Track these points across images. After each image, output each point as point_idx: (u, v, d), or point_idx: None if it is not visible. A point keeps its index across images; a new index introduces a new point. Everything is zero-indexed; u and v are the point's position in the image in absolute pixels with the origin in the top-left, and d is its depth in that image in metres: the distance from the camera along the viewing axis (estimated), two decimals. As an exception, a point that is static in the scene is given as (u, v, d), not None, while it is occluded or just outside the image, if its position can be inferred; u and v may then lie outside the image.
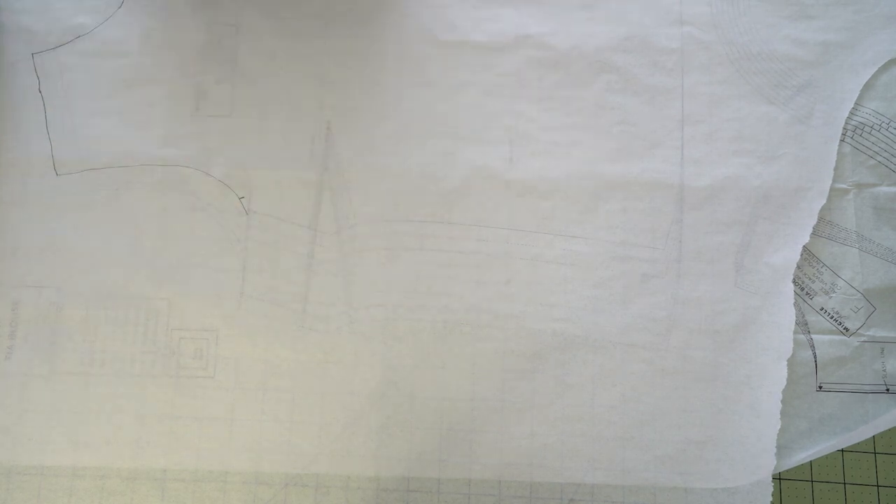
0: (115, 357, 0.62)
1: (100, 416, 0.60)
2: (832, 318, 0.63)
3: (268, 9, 0.70)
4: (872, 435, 0.61)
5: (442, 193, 0.65)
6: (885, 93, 0.67)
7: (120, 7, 0.70)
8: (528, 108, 0.67)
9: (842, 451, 0.61)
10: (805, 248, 0.63)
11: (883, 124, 0.66)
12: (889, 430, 0.61)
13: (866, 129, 0.66)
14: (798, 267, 0.63)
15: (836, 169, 0.65)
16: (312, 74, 0.68)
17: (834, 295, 0.63)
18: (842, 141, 0.66)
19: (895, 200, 0.65)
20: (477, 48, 0.68)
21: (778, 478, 0.60)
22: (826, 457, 0.61)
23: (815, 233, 0.64)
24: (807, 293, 0.63)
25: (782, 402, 0.60)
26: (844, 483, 0.60)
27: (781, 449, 0.59)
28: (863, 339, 0.62)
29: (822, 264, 0.64)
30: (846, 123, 0.66)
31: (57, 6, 0.70)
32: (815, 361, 0.62)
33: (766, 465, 0.59)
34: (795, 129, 0.66)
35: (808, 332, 0.62)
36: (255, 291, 0.63)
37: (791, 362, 0.61)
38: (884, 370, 0.61)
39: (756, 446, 0.59)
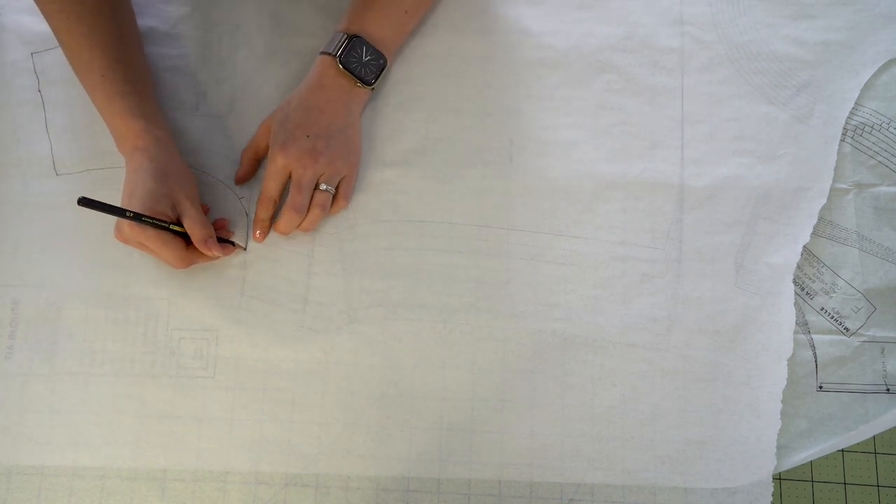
0: (115, 357, 0.62)
1: (100, 416, 0.60)
2: (832, 318, 0.63)
3: (268, 9, 0.70)
4: (872, 435, 0.61)
5: (442, 193, 0.65)
6: (885, 93, 0.67)
7: (120, 7, 0.70)
8: (528, 108, 0.67)
9: (842, 451, 0.61)
10: (805, 248, 0.63)
11: (883, 124, 0.66)
12: (889, 430, 0.61)
13: (866, 129, 0.66)
14: (798, 267, 0.63)
15: (836, 169, 0.65)
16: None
17: (834, 295, 0.63)
18: (842, 141, 0.66)
19: (895, 200, 0.65)
20: (476, 44, 0.69)
21: (778, 478, 0.60)
22: (826, 457, 0.61)
23: (815, 233, 0.64)
24: (807, 293, 0.63)
25: (782, 401, 0.60)
26: (844, 483, 0.60)
27: (781, 449, 0.59)
28: (863, 339, 0.62)
29: (822, 264, 0.64)
30: (846, 123, 0.66)
31: (57, 6, 0.70)
32: (816, 361, 0.62)
33: (766, 465, 0.59)
34: (795, 129, 0.66)
35: (809, 332, 0.62)
36: (255, 291, 0.63)
37: (791, 362, 0.61)
38: (884, 370, 0.61)
39: (756, 446, 0.59)
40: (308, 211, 0.62)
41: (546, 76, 0.68)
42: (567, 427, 0.60)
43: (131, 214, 0.56)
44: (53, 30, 0.61)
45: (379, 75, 0.64)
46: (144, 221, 0.56)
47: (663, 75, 0.68)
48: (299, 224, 0.62)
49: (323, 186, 0.62)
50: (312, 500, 0.59)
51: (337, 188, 0.63)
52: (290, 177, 0.62)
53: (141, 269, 0.63)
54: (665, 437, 0.60)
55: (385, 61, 0.64)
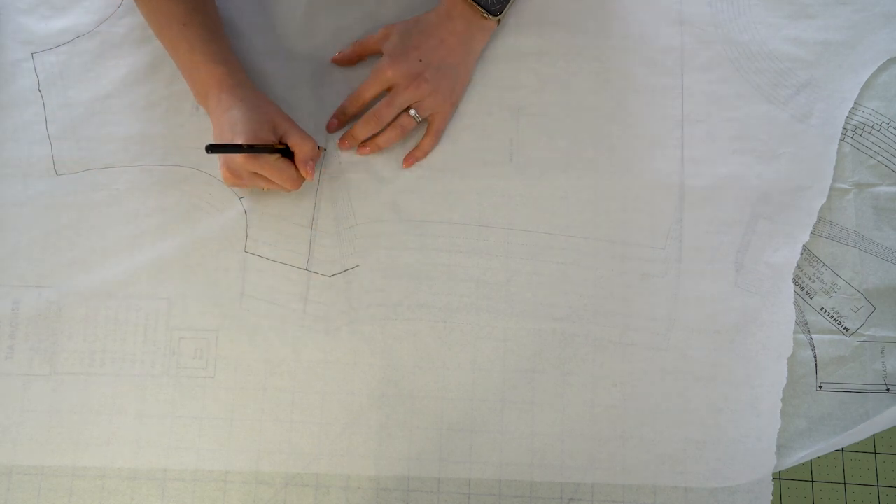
0: (115, 357, 0.62)
1: (100, 416, 0.61)
2: (832, 317, 0.63)
3: (268, 9, 0.70)
4: (872, 434, 0.61)
5: (443, 193, 0.65)
6: (885, 92, 0.67)
7: (119, 7, 0.70)
8: (528, 107, 0.67)
9: (842, 451, 0.61)
10: (805, 247, 0.63)
11: (883, 124, 0.66)
12: (889, 430, 0.61)
13: (866, 128, 0.66)
14: (798, 267, 0.63)
15: (836, 168, 0.65)
16: (313, 74, 0.68)
17: (834, 294, 0.63)
18: (842, 140, 0.66)
19: (895, 200, 0.65)
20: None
21: (778, 477, 0.60)
22: (826, 457, 0.61)
23: (815, 232, 0.64)
24: (807, 293, 0.63)
25: (782, 401, 0.60)
26: (844, 483, 0.60)
27: (781, 448, 0.59)
28: (863, 338, 0.62)
29: (822, 264, 0.64)
30: (846, 123, 0.66)
31: (57, 6, 0.70)
32: (815, 361, 0.62)
33: (766, 465, 0.59)
34: (795, 129, 0.66)
35: (808, 331, 0.62)
36: (255, 291, 0.63)
37: (791, 362, 0.61)
38: (884, 370, 0.61)
39: (756, 446, 0.59)
40: (388, 128, 0.63)
41: (545, 75, 0.68)
42: (567, 427, 0.60)
43: (247, 147, 0.57)
44: None
45: (506, 5, 0.64)
46: (258, 150, 0.58)
47: (663, 74, 0.68)
48: (373, 136, 0.64)
49: (412, 112, 0.63)
50: (312, 500, 0.59)
51: (430, 125, 0.64)
52: (388, 90, 0.63)
53: (141, 268, 0.63)
54: (665, 437, 0.60)
55: None
